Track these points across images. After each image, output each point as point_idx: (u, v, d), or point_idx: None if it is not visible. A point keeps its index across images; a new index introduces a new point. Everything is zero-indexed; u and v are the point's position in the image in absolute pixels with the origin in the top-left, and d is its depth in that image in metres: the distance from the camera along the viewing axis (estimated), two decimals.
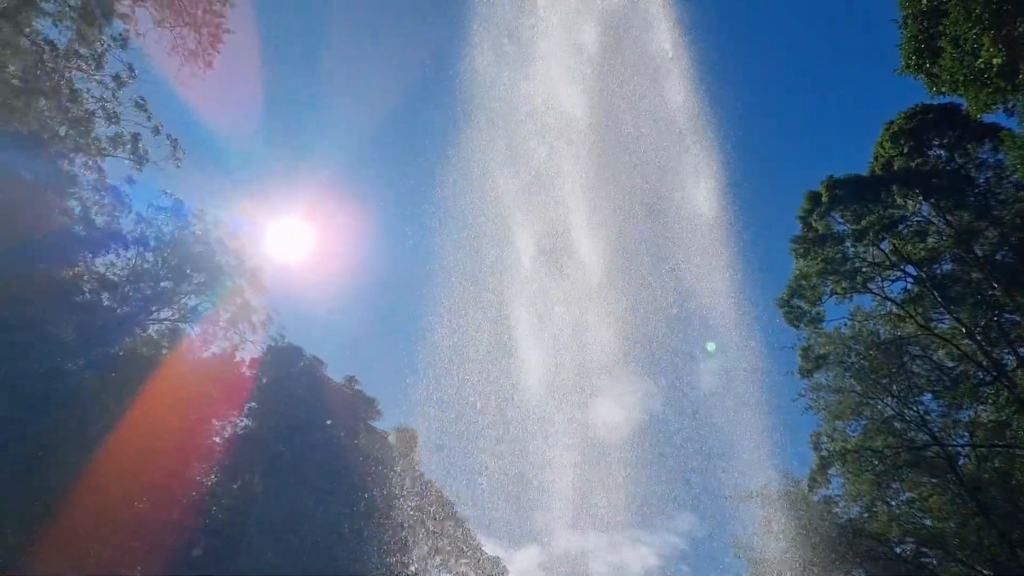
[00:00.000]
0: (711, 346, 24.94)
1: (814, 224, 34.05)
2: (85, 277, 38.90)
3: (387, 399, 54.63)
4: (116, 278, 41.43)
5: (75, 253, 37.52)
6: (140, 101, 37.40)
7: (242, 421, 47.70)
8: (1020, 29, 20.07)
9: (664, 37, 26.13)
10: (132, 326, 42.20)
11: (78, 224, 38.21)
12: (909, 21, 23.72)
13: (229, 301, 44.40)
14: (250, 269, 45.25)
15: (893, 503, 36.12)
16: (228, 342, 45.96)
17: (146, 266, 43.08)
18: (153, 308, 43.53)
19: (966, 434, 34.04)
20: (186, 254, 43.20)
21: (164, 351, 42.84)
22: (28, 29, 33.22)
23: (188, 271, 43.41)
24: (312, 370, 50.88)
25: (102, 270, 40.61)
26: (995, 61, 20.40)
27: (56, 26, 33.56)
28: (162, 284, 43.40)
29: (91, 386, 35.45)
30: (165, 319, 44.12)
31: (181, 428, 39.03)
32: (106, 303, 40.74)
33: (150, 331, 44.15)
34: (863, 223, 32.84)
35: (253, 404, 47.86)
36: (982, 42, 20.62)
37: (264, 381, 48.43)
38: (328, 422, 50.05)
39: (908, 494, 35.50)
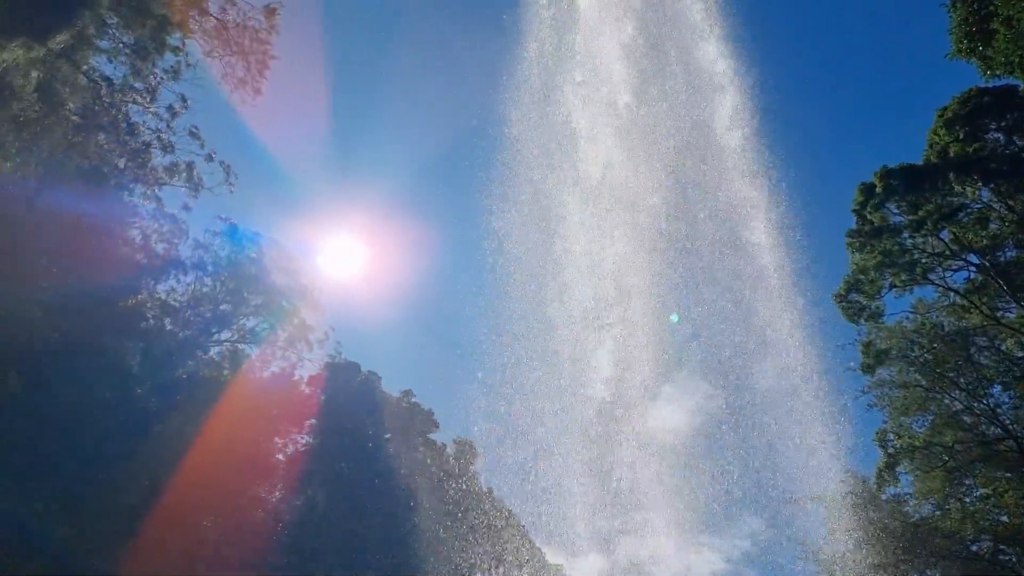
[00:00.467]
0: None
1: (869, 216, 33.30)
2: (148, 304, 40.12)
3: (444, 410, 55.07)
4: (177, 303, 42.67)
5: (138, 281, 38.75)
6: (193, 130, 38.52)
7: (303, 438, 48.61)
8: None
9: (713, 50, 25.95)
10: (194, 349, 43.38)
11: (139, 252, 39.50)
12: (958, 4, 23.24)
13: (286, 321, 45.32)
14: (306, 288, 46.17)
15: (967, 500, 35.03)
16: (287, 361, 46.92)
17: (205, 290, 44.27)
18: (213, 331, 44.67)
19: None
20: (243, 277, 44.26)
21: (226, 372, 43.91)
22: (85, 67, 34.52)
23: (245, 294, 44.46)
24: (369, 385, 51.60)
25: (164, 296, 41.89)
26: None
27: (111, 62, 34.81)
28: (221, 307, 44.54)
29: (158, 410, 36.52)
30: (225, 341, 45.21)
31: (245, 447, 39.93)
32: (168, 328, 41.97)
33: (211, 353, 45.30)
34: (920, 213, 32.01)
35: (313, 421, 48.74)
36: None
37: (323, 398, 49.28)
38: (387, 436, 50.66)
39: (982, 490, 34.37)
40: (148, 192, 39.67)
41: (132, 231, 38.92)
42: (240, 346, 45.50)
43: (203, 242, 43.54)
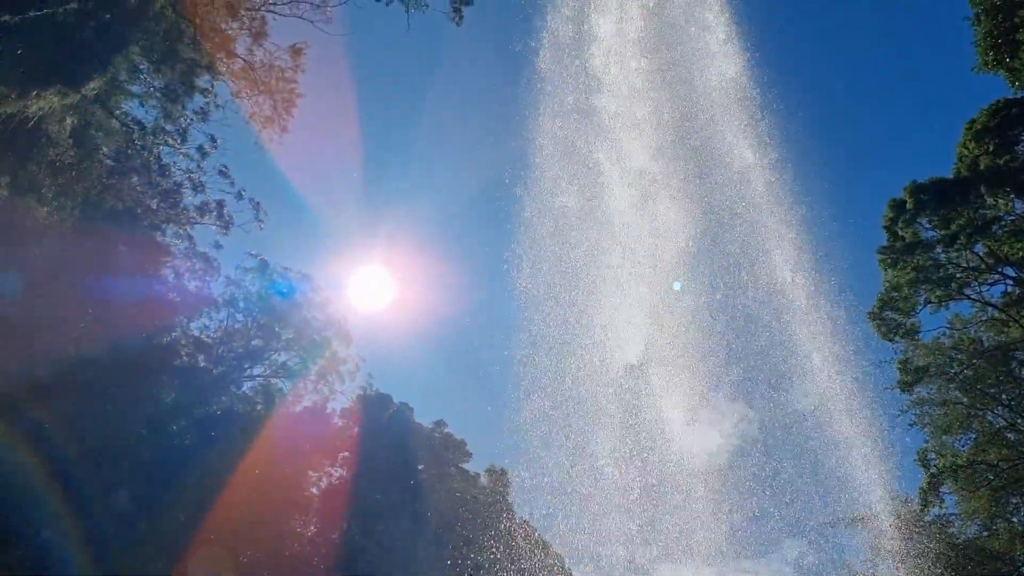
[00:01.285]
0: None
1: (900, 232, 32.88)
2: (182, 341, 40.71)
3: (477, 439, 54.95)
4: (210, 340, 43.24)
5: (172, 319, 39.35)
6: (223, 169, 39.18)
7: (337, 471, 48.66)
8: None
9: (736, 71, 25.98)
10: (227, 385, 43.82)
11: (172, 291, 40.14)
12: (983, 17, 23.08)
13: (318, 354, 45.65)
14: (336, 321, 46.54)
15: (1014, 519, 34.05)
16: (319, 394, 47.19)
17: (237, 326, 44.83)
18: (246, 366, 45.11)
19: None
20: (274, 312, 44.76)
21: (259, 407, 44.24)
22: (118, 111, 35.38)
23: (277, 328, 44.91)
24: (401, 417, 51.65)
25: (197, 333, 42.54)
26: None
27: (143, 106, 35.65)
28: (253, 342, 45.00)
29: (193, 446, 36.87)
30: (258, 376, 45.61)
31: (280, 481, 40.09)
32: (202, 364, 42.50)
33: (244, 388, 45.74)
34: (953, 227, 31.54)
35: (346, 454, 48.80)
36: None
37: (355, 431, 49.39)
38: (420, 467, 50.57)
39: None
40: (180, 231, 40.42)
41: (165, 270, 39.62)
42: (273, 380, 45.86)
43: (234, 279, 44.22)
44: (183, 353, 40.69)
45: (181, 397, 37.96)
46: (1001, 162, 31.71)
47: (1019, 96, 29.06)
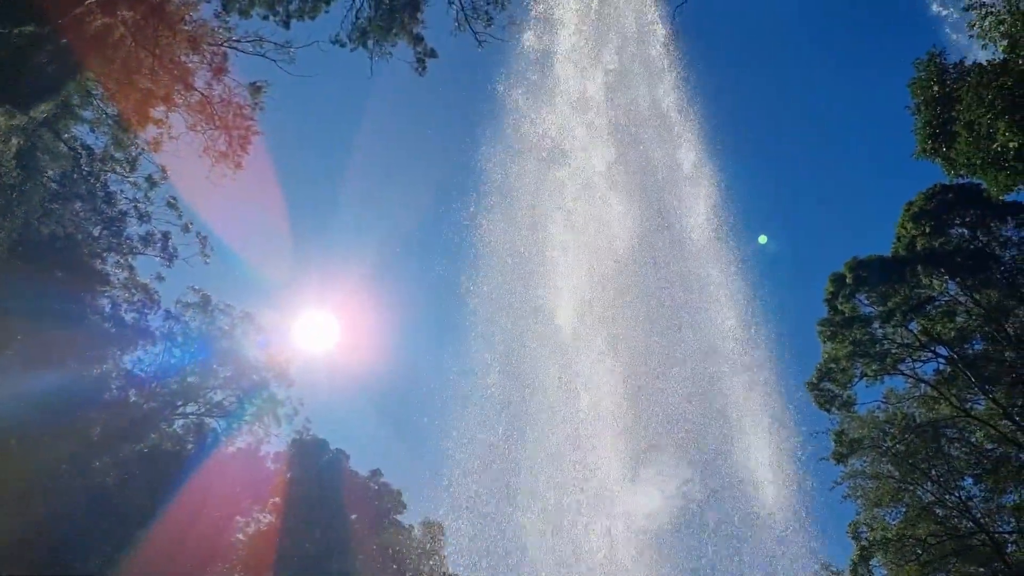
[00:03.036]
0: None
1: (840, 307, 33.79)
2: (114, 374, 39.34)
3: (414, 490, 53.80)
4: (143, 374, 41.85)
5: (104, 351, 38.03)
6: (171, 200, 38.58)
7: (266, 517, 47.09)
8: None
9: (689, 156, 26.74)
10: (158, 421, 42.33)
11: (108, 322, 38.86)
12: (922, 107, 24.08)
13: (255, 395, 44.50)
14: (277, 363, 45.50)
15: None
16: (253, 436, 45.85)
17: (173, 361, 43.47)
18: (179, 403, 43.70)
19: (1012, 520, 32.81)
20: (213, 349, 43.63)
21: (189, 446, 42.80)
22: (67, 135, 34.65)
23: (215, 366, 43.78)
24: (336, 464, 50.40)
25: (130, 367, 41.11)
26: (1011, 145, 20.55)
27: (93, 132, 35.00)
28: (189, 379, 43.71)
29: (116, 484, 35.34)
30: (191, 414, 44.20)
31: (204, 526, 38.55)
32: (133, 399, 41.02)
33: (175, 426, 44.23)
34: (890, 304, 32.57)
35: (277, 499, 47.28)
36: (997, 127, 20.81)
37: (288, 476, 47.97)
38: (353, 516, 49.25)
39: None
40: (121, 261, 39.43)
41: (102, 299, 38.43)
42: (206, 419, 44.48)
43: (174, 312, 43.04)
44: (113, 387, 39.27)
45: (107, 433, 36.46)
46: (936, 244, 32.99)
47: (955, 183, 30.35)
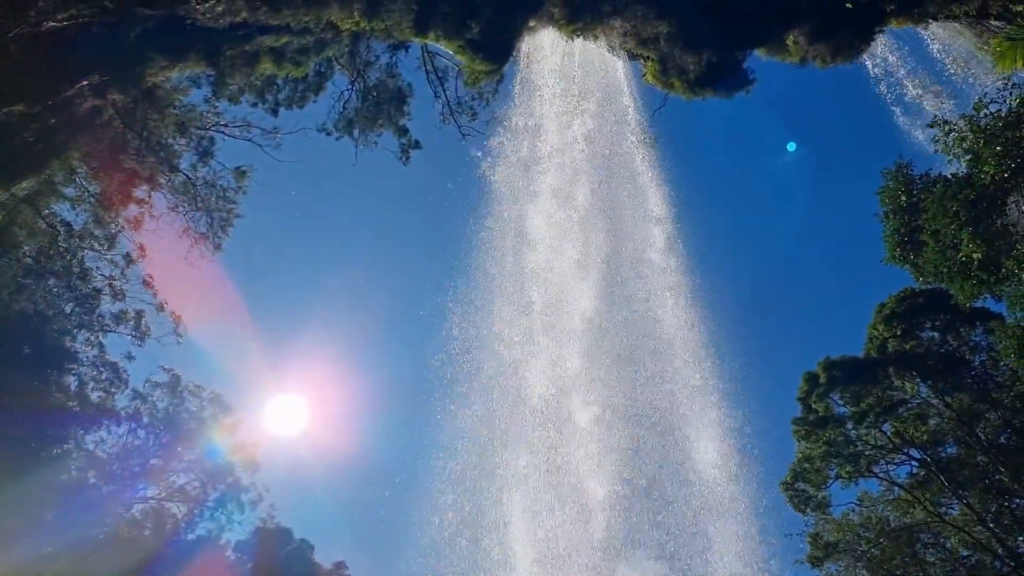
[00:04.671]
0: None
1: (814, 406, 33.94)
2: (74, 455, 38.08)
3: None
4: (105, 455, 40.50)
5: (66, 430, 36.98)
6: (147, 279, 38.26)
7: None
8: (997, 225, 21.01)
9: (660, 254, 27.41)
10: (116, 506, 40.80)
11: (73, 400, 37.94)
12: (891, 216, 24.88)
13: (219, 480, 43.19)
14: (244, 447, 44.36)
15: None
16: (215, 523, 44.17)
17: (137, 443, 42.20)
18: (140, 487, 42.26)
19: None
20: (179, 431, 42.48)
21: (147, 533, 41.15)
22: (47, 212, 34.59)
23: (179, 448, 42.54)
24: (300, 555, 48.58)
25: (91, 447, 39.85)
26: (975, 256, 21.15)
27: (74, 208, 35.01)
28: (151, 461, 42.35)
29: (67, 572, 33.80)
30: (151, 498, 42.67)
31: None
32: (92, 481, 39.62)
33: (134, 511, 42.56)
34: (863, 405, 32.77)
35: None
36: (961, 237, 21.47)
37: (248, 567, 46.13)
38: None
39: None
40: (92, 338, 38.76)
41: (68, 377, 37.59)
42: (167, 504, 42.91)
43: (142, 392, 42.00)
44: (72, 468, 37.96)
45: (61, 516, 35.02)
46: (908, 347, 33.50)
47: (924, 288, 31.03)
